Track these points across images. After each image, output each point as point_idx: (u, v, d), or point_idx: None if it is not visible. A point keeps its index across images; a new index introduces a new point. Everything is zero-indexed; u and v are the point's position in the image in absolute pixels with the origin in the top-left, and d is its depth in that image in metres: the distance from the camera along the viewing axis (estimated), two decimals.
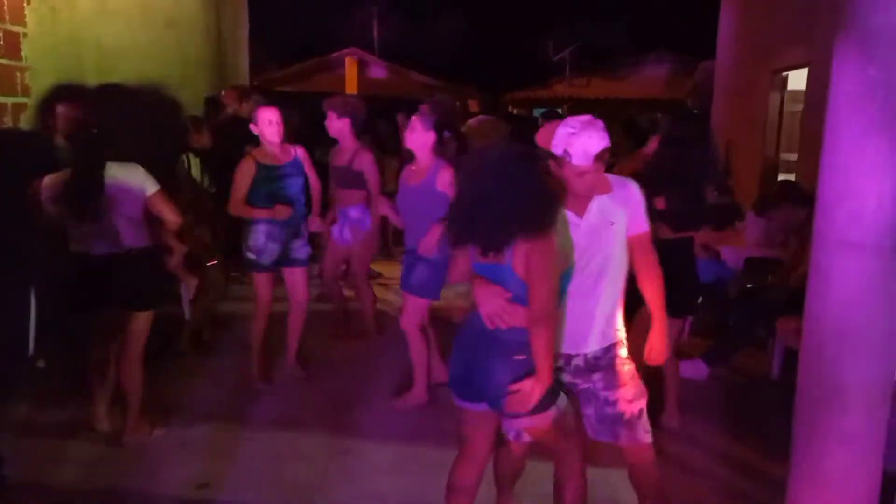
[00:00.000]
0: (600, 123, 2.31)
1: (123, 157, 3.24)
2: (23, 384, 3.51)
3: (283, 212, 3.93)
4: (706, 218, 3.65)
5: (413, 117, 3.85)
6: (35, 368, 3.52)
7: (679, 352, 4.72)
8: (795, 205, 4.57)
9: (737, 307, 4.89)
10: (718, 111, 9.66)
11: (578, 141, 2.25)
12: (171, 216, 3.36)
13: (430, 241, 3.66)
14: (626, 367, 2.52)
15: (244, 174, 3.94)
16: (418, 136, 3.74)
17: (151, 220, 3.35)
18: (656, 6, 20.08)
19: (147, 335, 3.40)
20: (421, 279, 3.78)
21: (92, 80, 4.79)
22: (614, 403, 2.47)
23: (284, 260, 4.09)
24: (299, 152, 4.15)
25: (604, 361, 2.49)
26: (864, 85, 1.34)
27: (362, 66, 17.84)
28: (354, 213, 4.58)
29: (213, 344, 4.78)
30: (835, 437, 1.45)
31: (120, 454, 3.38)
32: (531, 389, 2.18)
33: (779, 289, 4.69)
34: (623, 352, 2.53)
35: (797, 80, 7.16)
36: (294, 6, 19.13)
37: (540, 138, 2.41)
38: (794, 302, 4.26)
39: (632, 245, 2.49)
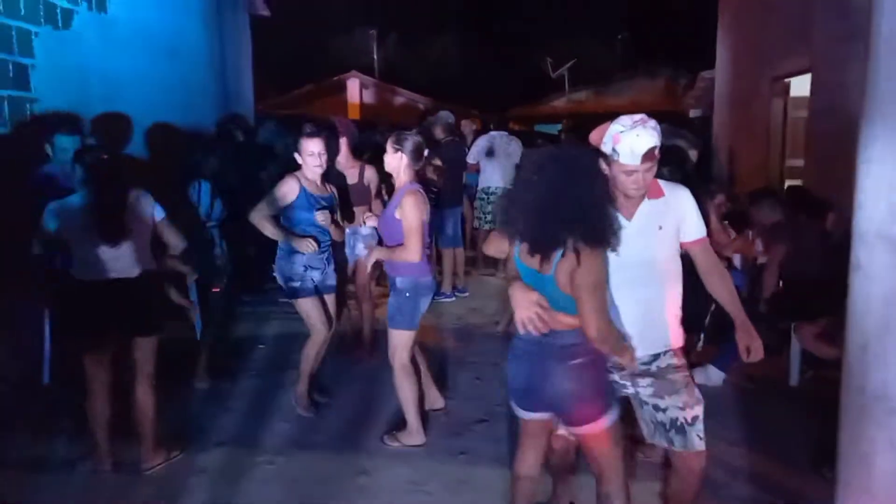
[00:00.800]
0: (652, 122, 2.28)
1: (134, 183, 3.30)
2: (35, 413, 3.48)
3: (308, 245, 3.87)
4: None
5: (388, 139, 3.74)
6: (47, 397, 3.51)
7: (690, 362, 4.68)
8: (773, 208, 4.63)
9: (748, 313, 4.83)
10: (720, 120, 9.69)
11: (626, 139, 2.22)
12: (177, 241, 3.44)
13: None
14: (678, 376, 2.48)
15: (286, 192, 3.89)
16: (389, 159, 3.63)
17: (154, 246, 3.38)
18: (652, 20, 20.26)
19: (156, 360, 3.39)
20: (391, 310, 3.62)
21: (98, 109, 4.87)
22: (665, 410, 2.46)
23: (321, 286, 4.07)
24: (333, 189, 4.17)
25: (653, 368, 2.47)
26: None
27: (364, 88, 17.99)
28: (365, 228, 4.58)
29: (225, 369, 4.75)
30: (883, 443, 1.41)
31: (139, 483, 3.34)
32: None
33: (771, 294, 4.68)
34: (673, 359, 2.49)
35: (800, 86, 7.18)
36: (294, 32, 19.36)
37: (593, 137, 2.39)
38: (809, 307, 4.26)
39: (693, 252, 2.49)
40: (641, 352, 2.42)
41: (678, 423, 2.45)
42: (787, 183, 7.41)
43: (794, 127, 7.61)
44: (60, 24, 4.74)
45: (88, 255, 3.19)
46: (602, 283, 2.18)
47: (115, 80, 5.34)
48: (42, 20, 4.55)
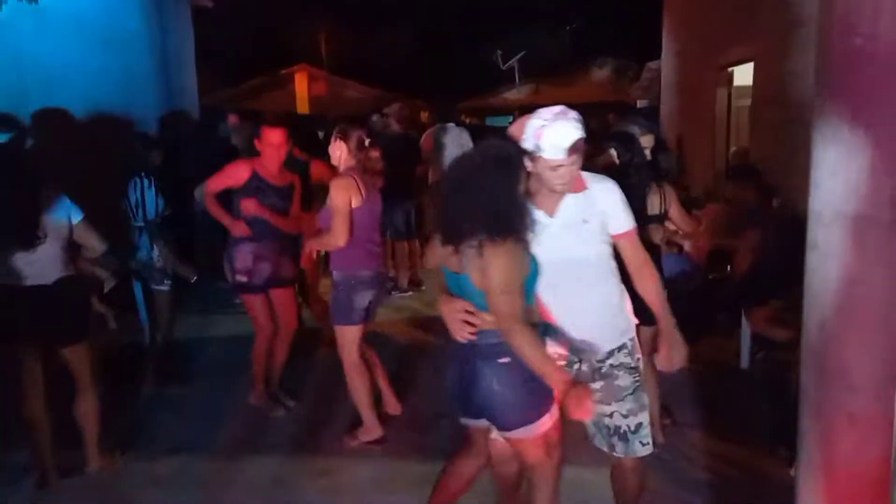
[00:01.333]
0: (573, 114, 2.22)
1: (61, 182, 3.11)
2: None
3: (240, 229, 3.75)
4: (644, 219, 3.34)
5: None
6: None
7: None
8: (745, 186, 4.65)
9: (697, 298, 4.93)
10: (667, 109, 9.88)
11: (549, 133, 2.14)
12: (95, 244, 3.22)
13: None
14: (627, 380, 2.40)
15: (233, 174, 3.76)
16: (332, 149, 3.55)
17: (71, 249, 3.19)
18: (600, 12, 20.51)
19: (92, 366, 3.24)
20: (331, 305, 3.57)
21: (33, 100, 4.63)
22: (611, 415, 2.38)
23: (272, 280, 3.88)
24: (295, 181, 3.99)
25: (605, 368, 2.40)
26: (847, 56, 1.33)
27: (312, 81, 17.69)
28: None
29: (175, 372, 4.58)
30: (843, 421, 1.43)
31: (88, 492, 3.20)
32: (573, 398, 2.01)
33: (740, 278, 4.76)
34: (626, 358, 2.41)
35: (742, 75, 7.36)
36: (240, 24, 18.86)
37: (513, 131, 2.33)
38: (759, 290, 4.37)
39: (620, 245, 2.40)
40: (592, 351, 2.36)
41: (621, 431, 2.38)
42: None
43: (739, 115, 7.81)
44: None
45: (2, 261, 2.99)
46: (512, 281, 2.07)
47: (49, 71, 5.09)
48: None
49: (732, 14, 7.09)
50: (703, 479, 3.30)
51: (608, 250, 2.39)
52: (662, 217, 3.46)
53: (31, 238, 2.96)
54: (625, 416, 2.37)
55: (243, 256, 3.78)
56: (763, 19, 6.20)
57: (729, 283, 5.13)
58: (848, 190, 1.30)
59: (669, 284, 5.01)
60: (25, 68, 4.81)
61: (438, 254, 2.30)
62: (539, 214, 2.25)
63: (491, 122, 16.45)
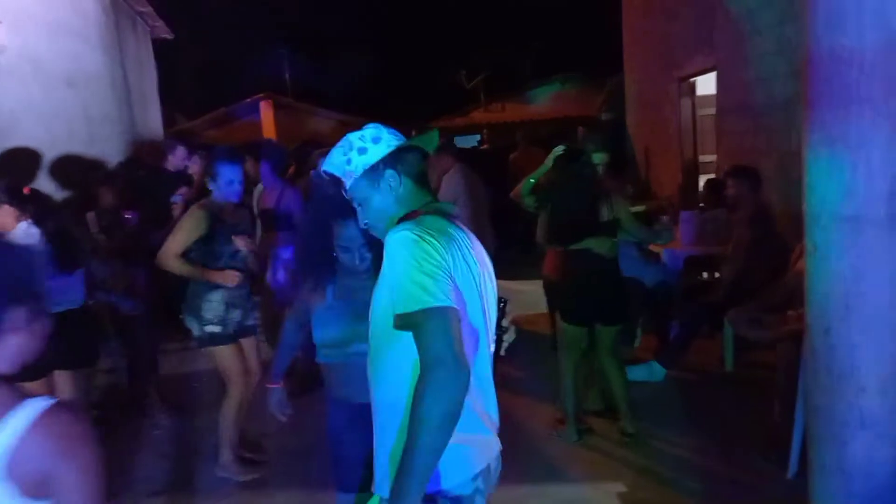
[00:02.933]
0: (354, 136, 1.71)
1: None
2: None
3: (232, 277, 3.43)
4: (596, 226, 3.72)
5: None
6: None
7: (633, 357, 4.76)
8: (744, 187, 4.65)
9: (682, 305, 4.97)
10: (633, 121, 10.02)
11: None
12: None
13: None
14: None
15: (192, 226, 3.42)
16: None
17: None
18: (561, 29, 20.87)
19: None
20: None
21: None
22: None
23: (242, 327, 3.59)
24: (247, 215, 3.82)
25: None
26: (838, 58, 1.33)
27: (278, 109, 17.58)
28: (286, 253, 4.42)
29: (153, 410, 4.43)
30: (854, 422, 1.41)
31: None
32: None
33: (723, 283, 4.80)
34: None
35: (705, 85, 7.51)
36: (201, 54, 18.72)
37: None
38: (738, 293, 4.40)
39: None
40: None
41: None
42: (702, 178, 7.72)
43: (703, 124, 7.95)
44: None
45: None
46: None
47: (7, 113, 4.95)
48: None
49: (691, 25, 7.25)
50: (696, 487, 3.27)
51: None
52: (613, 224, 3.74)
53: (73, 263, 3.22)
54: None
55: (214, 305, 3.45)
56: (721, 29, 6.34)
57: (711, 287, 5.17)
58: (843, 191, 1.30)
59: (651, 295, 5.07)
60: None
61: None
62: None
63: (459, 142, 16.50)
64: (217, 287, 3.44)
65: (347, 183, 1.65)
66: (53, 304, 3.06)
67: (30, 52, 5.35)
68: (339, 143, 1.69)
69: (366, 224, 1.67)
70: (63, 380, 3.29)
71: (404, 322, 1.41)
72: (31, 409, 1.18)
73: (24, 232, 3.11)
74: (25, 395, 1.21)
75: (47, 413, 1.19)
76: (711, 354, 4.83)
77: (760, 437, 3.62)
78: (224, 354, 3.50)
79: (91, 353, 3.37)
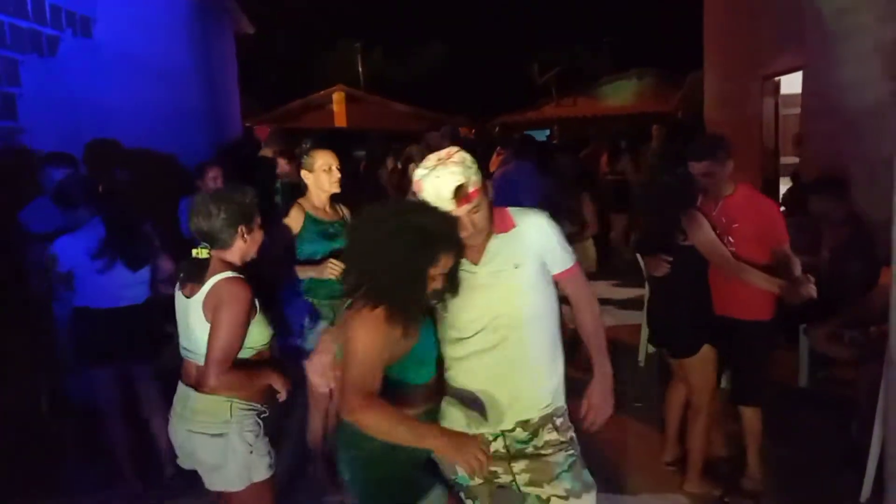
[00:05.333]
0: (457, 156, 1.94)
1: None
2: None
3: (332, 268, 3.01)
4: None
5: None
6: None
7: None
8: (830, 198, 4.43)
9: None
10: (711, 120, 9.69)
11: (427, 184, 1.92)
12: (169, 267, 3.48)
13: None
14: (559, 456, 2.05)
15: (288, 225, 3.20)
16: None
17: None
18: (636, 23, 20.36)
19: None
20: None
21: (88, 137, 4.78)
22: (547, 501, 2.04)
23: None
24: (346, 212, 3.40)
25: (529, 448, 2.06)
26: None
27: (350, 101, 17.93)
28: None
29: None
30: None
31: None
32: (455, 450, 1.80)
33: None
34: (557, 434, 2.08)
35: (790, 83, 7.18)
36: (279, 48, 19.31)
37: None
38: (820, 306, 4.21)
39: (561, 285, 2.16)
40: (509, 422, 2.05)
41: None
42: (783, 181, 7.41)
43: (786, 123, 7.62)
44: (46, 52, 4.65)
45: (103, 284, 3.20)
46: (375, 354, 1.82)
47: (104, 107, 5.25)
48: (27, 48, 4.46)
49: (777, 22, 6.94)
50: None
51: (548, 297, 2.11)
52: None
53: (140, 260, 3.27)
54: (564, 499, 2.02)
55: (301, 313, 3.22)
56: (811, 28, 6.05)
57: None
58: None
59: None
60: (80, 106, 4.97)
61: None
62: (464, 264, 2.00)
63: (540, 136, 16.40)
64: (298, 296, 3.20)
65: None
66: (117, 299, 3.24)
67: (125, 48, 5.66)
68: None
69: None
70: (138, 371, 3.40)
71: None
72: (220, 276, 2.24)
73: (83, 228, 3.22)
74: (223, 271, 2.27)
75: (225, 280, 2.24)
76: (785, 367, 4.65)
77: (834, 457, 3.48)
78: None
79: (153, 347, 3.41)
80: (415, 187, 1.98)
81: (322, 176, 3.19)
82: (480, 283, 2.00)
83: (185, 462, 2.40)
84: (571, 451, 2.08)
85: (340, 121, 17.26)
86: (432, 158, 1.97)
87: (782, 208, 6.03)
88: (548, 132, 17.12)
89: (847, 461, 3.38)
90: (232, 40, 9.22)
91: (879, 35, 4.80)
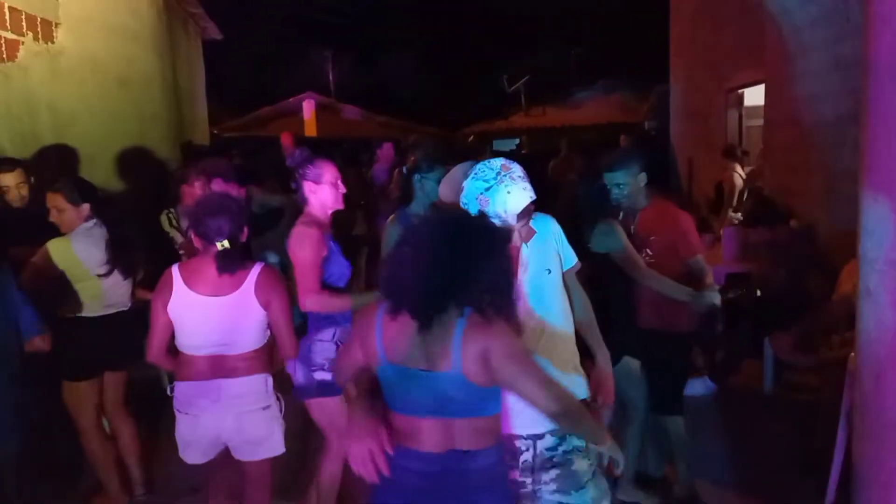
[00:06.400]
0: (517, 169, 2.00)
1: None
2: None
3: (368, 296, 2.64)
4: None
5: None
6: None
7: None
8: (774, 224, 4.58)
9: (736, 323, 4.80)
10: (677, 131, 9.88)
11: (497, 199, 1.93)
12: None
13: None
14: (583, 463, 2.10)
15: (318, 246, 2.71)
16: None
17: None
18: (604, 36, 20.67)
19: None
20: None
21: (47, 142, 4.66)
22: None
23: None
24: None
25: (558, 454, 2.08)
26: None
27: (320, 109, 17.83)
28: None
29: None
30: None
31: None
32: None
33: (771, 303, 4.69)
34: (580, 441, 2.08)
35: (754, 96, 7.36)
36: (248, 54, 19.13)
37: (444, 189, 2.20)
38: (781, 315, 4.31)
39: (566, 281, 2.22)
40: (543, 426, 2.01)
41: None
42: (746, 190, 7.57)
43: (750, 134, 7.80)
44: (5, 57, 4.52)
45: (90, 291, 3.14)
46: (531, 352, 1.74)
47: (64, 112, 5.12)
48: None
49: (740, 37, 7.12)
50: None
51: (566, 297, 2.19)
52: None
53: (134, 266, 3.25)
54: None
55: (325, 347, 2.78)
56: (772, 43, 6.21)
57: (746, 305, 5.05)
58: None
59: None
60: (39, 112, 4.84)
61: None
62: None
63: (498, 145, 16.51)
64: (330, 324, 2.79)
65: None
66: (106, 307, 3.20)
67: (88, 53, 5.53)
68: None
69: None
70: (113, 379, 3.34)
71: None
72: (258, 266, 2.49)
73: (87, 230, 3.15)
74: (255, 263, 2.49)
75: (264, 270, 2.49)
76: (749, 374, 4.73)
77: (798, 462, 3.54)
78: (333, 408, 2.78)
79: (138, 351, 3.42)
80: (467, 199, 1.97)
81: (330, 190, 2.84)
82: (523, 293, 2.03)
83: (214, 448, 2.54)
84: (591, 461, 2.12)
85: (311, 129, 17.15)
86: (489, 171, 1.98)
87: (740, 218, 6.16)
88: (517, 141, 17.25)
89: (810, 466, 3.44)
90: (199, 47, 9.10)
91: (838, 51, 4.95)
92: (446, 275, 1.60)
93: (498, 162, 2.02)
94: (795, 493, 3.33)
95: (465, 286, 1.61)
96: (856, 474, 1.53)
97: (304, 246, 2.66)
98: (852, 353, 3.00)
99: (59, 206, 3.13)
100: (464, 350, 1.60)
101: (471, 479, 1.67)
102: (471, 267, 1.62)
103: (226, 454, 2.57)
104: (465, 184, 2.03)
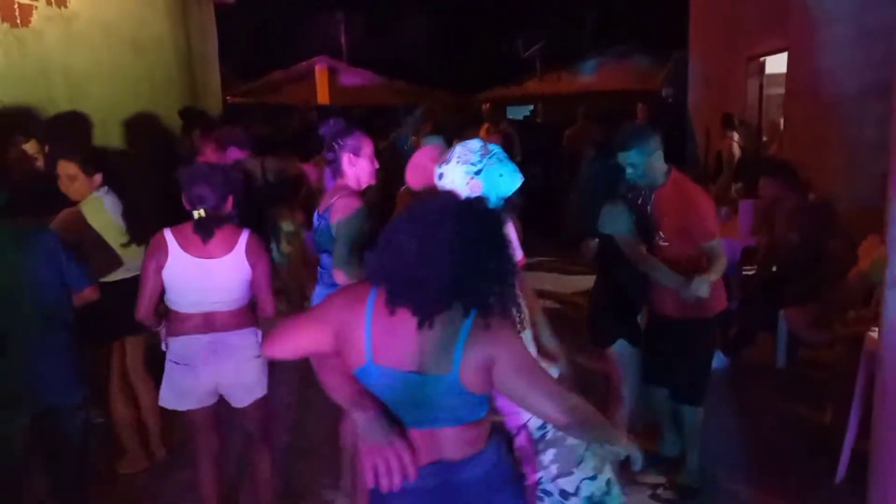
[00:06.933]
0: (501, 153, 1.93)
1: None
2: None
3: None
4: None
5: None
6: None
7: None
8: (784, 185, 4.46)
9: (752, 297, 4.75)
10: (694, 99, 9.71)
11: (489, 180, 1.86)
12: None
13: None
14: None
15: (364, 220, 2.77)
16: None
17: None
18: (622, 1, 20.18)
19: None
20: None
21: (62, 108, 4.65)
22: (576, 489, 1.99)
23: None
24: None
25: (549, 434, 1.99)
26: None
27: (332, 74, 17.61)
28: None
29: None
30: None
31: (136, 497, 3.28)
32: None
33: (774, 276, 4.63)
34: None
35: (775, 63, 7.19)
36: (260, 18, 18.88)
37: (412, 176, 2.12)
38: (796, 290, 4.27)
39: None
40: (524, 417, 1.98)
41: (596, 499, 2.02)
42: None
43: (769, 103, 7.65)
44: (19, 22, 4.49)
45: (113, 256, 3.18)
46: (537, 361, 1.58)
47: (77, 77, 5.11)
48: None
49: (763, 3, 6.93)
50: (742, 485, 3.25)
51: None
52: None
53: (148, 231, 3.23)
54: (592, 479, 2.03)
55: None
56: (796, 11, 6.04)
57: (759, 280, 5.00)
58: None
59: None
60: (53, 77, 4.83)
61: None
62: None
63: (512, 112, 16.29)
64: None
65: None
66: (126, 271, 3.21)
67: (100, 17, 5.48)
68: None
69: None
70: (133, 343, 3.41)
71: None
72: (246, 232, 2.71)
73: (97, 198, 3.17)
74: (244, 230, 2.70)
75: (252, 235, 2.71)
76: (763, 349, 4.73)
77: (809, 438, 3.56)
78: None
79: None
80: (461, 183, 1.88)
81: (368, 164, 2.84)
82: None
83: (211, 397, 2.73)
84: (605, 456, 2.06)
85: (322, 93, 16.99)
86: (470, 153, 1.89)
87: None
88: (531, 108, 17.01)
89: (822, 443, 3.46)
90: (211, 11, 8.97)
91: (862, 22, 4.81)
92: (458, 266, 1.45)
93: (477, 143, 1.93)
94: (806, 470, 3.36)
95: (474, 280, 1.46)
96: (874, 459, 1.54)
97: (352, 220, 2.66)
98: (869, 333, 3.01)
99: (71, 175, 3.14)
100: (465, 355, 1.47)
101: (471, 493, 1.56)
102: (483, 257, 1.47)
103: (214, 409, 2.78)
104: (442, 169, 1.93)
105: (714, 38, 8.80)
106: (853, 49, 4.98)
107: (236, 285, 2.68)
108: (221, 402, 2.81)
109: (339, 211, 2.69)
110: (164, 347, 2.74)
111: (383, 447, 1.49)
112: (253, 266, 2.68)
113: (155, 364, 3.49)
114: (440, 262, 1.44)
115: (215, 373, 2.67)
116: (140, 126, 5.69)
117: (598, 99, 13.63)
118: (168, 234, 2.64)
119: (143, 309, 2.68)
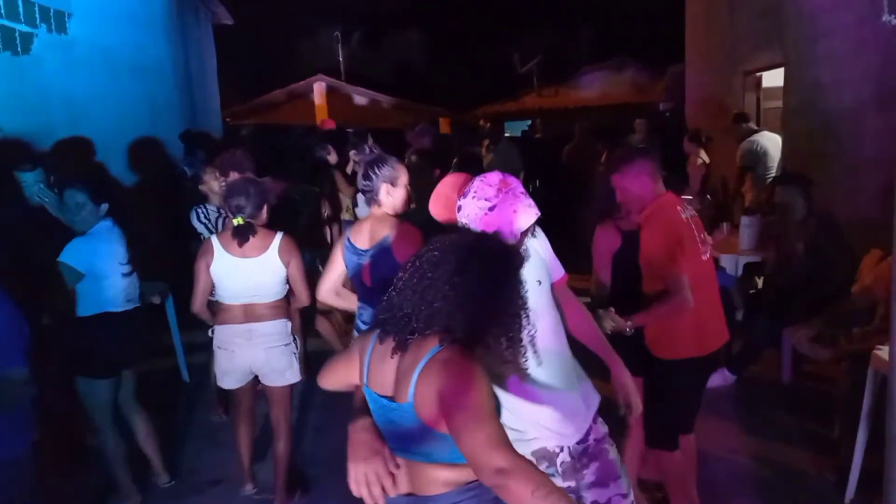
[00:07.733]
0: (518, 187, 1.91)
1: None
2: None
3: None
4: None
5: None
6: None
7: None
8: (799, 193, 4.41)
9: (755, 313, 4.73)
10: (692, 113, 9.74)
11: (500, 217, 1.85)
12: None
13: None
14: (614, 451, 2.09)
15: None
16: None
17: None
18: (618, 15, 20.34)
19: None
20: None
21: (61, 134, 4.68)
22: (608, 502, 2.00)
23: None
24: None
25: (590, 443, 2.03)
26: None
27: (331, 92, 17.71)
28: None
29: (210, 402, 4.54)
30: None
31: None
32: None
33: (779, 290, 4.61)
34: (604, 427, 2.09)
35: (772, 76, 7.23)
36: (258, 38, 19.00)
37: (434, 206, 2.08)
38: (801, 307, 4.25)
39: (556, 292, 2.14)
40: (575, 428, 1.99)
41: None
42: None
43: (767, 116, 7.67)
44: (20, 50, 4.52)
45: (114, 288, 3.17)
46: (492, 407, 1.40)
47: (77, 103, 5.14)
48: (0, 47, 4.33)
49: (759, 18, 6.97)
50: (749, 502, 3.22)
51: (556, 309, 2.10)
52: None
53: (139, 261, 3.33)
54: (625, 496, 2.03)
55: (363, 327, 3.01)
56: (792, 26, 6.08)
57: (764, 295, 4.99)
58: None
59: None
60: (53, 103, 4.85)
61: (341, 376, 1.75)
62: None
63: (510, 127, 16.35)
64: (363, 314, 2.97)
65: None
66: (126, 303, 3.23)
67: (99, 42, 5.52)
68: None
69: None
70: (127, 377, 3.36)
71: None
72: (279, 234, 3.09)
73: (102, 230, 3.17)
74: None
75: (285, 237, 3.10)
76: (768, 364, 4.71)
77: (815, 454, 3.53)
78: None
79: (153, 346, 3.49)
80: (469, 219, 1.88)
81: (404, 194, 2.85)
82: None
83: (247, 376, 3.17)
84: (611, 441, 2.10)
85: (321, 112, 17.05)
86: (486, 187, 1.88)
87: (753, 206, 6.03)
88: (529, 123, 17.08)
89: (829, 461, 3.43)
90: (210, 33, 9.06)
91: (859, 35, 4.83)
92: (441, 297, 1.46)
93: (495, 178, 1.91)
94: (815, 486, 3.32)
95: (451, 312, 1.45)
96: (888, 479, 1.52)
97: (410, 247, 2.53)
98: (875, 350, 2.99)
99: (79, 203, 3.14)
100: (418, 384, 1.43)
101: None
102: (471, 291, 1.46)
103: (252, 384, 3.27)
104: (461, 202, 1.92)
105: (710, 53, 8.85)
106: (850, 62, 5.00)
107: (271, 280, 3.08)
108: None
109: (402, 240, 2.71)
110: (210, 333, 3.16)
111: (368, 458, 1.53)
112: (286, 264, 3.09)
113: (145, 395, 3.49)
114: (429, 293, 1.47)
115: (250, 357, 3.09)
116: (141, 150, 5.72)
117: (595, 113, 13.67)
118: (214, 238, 3.10)
119: (199, 303, 3.09)
